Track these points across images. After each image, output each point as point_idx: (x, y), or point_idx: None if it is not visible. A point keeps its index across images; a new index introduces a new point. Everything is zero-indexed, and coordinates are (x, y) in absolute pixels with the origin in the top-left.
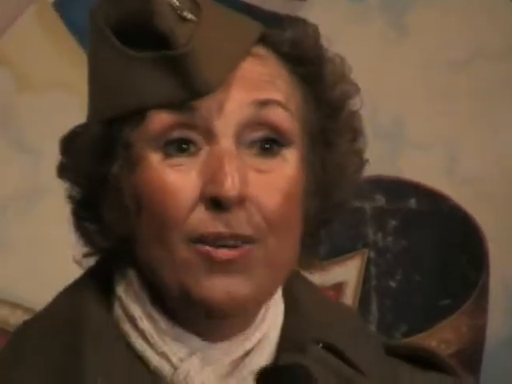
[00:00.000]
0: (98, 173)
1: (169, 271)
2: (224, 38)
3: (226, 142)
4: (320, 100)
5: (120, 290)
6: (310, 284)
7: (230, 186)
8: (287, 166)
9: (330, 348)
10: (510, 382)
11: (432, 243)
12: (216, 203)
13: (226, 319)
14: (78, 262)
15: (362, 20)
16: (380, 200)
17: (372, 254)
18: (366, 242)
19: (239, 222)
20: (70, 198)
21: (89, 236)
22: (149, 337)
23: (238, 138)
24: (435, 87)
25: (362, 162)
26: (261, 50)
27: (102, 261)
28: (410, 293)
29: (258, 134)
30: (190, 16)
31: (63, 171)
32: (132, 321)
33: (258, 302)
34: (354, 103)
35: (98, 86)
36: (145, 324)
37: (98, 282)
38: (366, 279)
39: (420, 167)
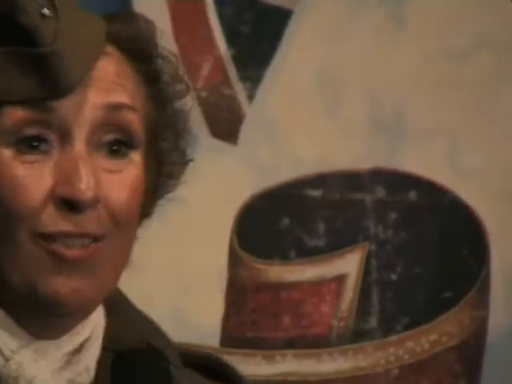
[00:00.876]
0: None
1: (13, 267)
2: (81, 36)
3: (80, 143)
4: (156, 98)
5: None
6: (119, 289)
7: (85, 188)
8: (134, 167)
9: (152, 349)
10: (511, 373)
11: (433, 235)
12: (68, 204)
13: (67, 317)
14: None
15: (362, 11)
16: (380, 192)
17: (373, 247)
18: (367, 234)
19: (89, 222)
20: None
21: None
22: None
23: (90, 140)
24: (436, 78)
25: (184, 162)
26: (108, 48)
27: None
28: (412, 285)
29: (108, 137)
30: (48, 12)
31: None
32: None
33: (101, 300)
34: (185, 103)
35: None
36: None
37: None
38: (366, 272)
39: (421, 159)
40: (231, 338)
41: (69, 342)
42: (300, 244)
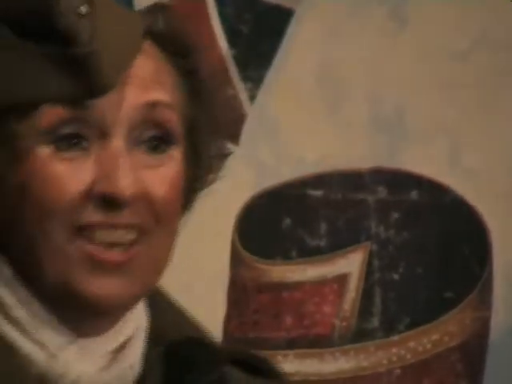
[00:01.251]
0: None
1: (52, 265)
2: (118, 34)
3: (119, 140)
4: (195, 92)
5: None
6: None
7: (126, 184)
8: (173, 163)
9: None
10: None
11: (435, 235)
12: (108, 201)
13: (105, 317)
14: None
15: (363, 11)
16: (382, 192)
17: (374, 247)
18: (369, 234)
19: (129, 216)
20: None
21: None
22: (23, 324)
23: (129, 137)
24: (436, 78)
25: (223, 155)
26: (145, 43)
27: None
28: (413, 285)
29: (148, 134)
30: (85, 11)
31: None
32: (2, 308)
33: (141, 299)
34: (229, 94)
35: None
36: (18, 311)
37: None
38: (368, 272)
39: (422, 159)
40: (233, 338)
41: (112, 339)
42: (302, 244)
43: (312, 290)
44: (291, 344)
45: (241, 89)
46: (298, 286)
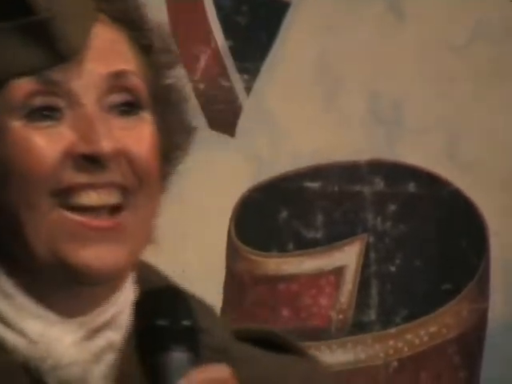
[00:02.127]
0: None
1: (38, 235)
2: (74, 2)
3: (91, 105)
4: (151, 67)
5: None
6: (146, 261)
7: (105, 142)
8: (147, 124)
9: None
10: (511, 366)
11: (432, 227)
12: (89, 160)
13: (95, 287)
14: None
15: (361, 3)
16: (379, 184)
17: (371, 239)
18: (366, 226)
19: (112, 174)
20: None
21: None
22: (4, 315)
23: (99, 103)
24: (434, 71)
25: (188, 131)
26: (99, 15)
27: None
28: (411, 277)
29: (117, 99)
30: None
31: None
32: None
33: (129, 268)
34: (177, 74)
35: None
36: (0, 304)
37: None
38: (365, 264)
39: (419, 151)
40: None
41: (95, 319)
42: (298, 236)
43: (309, 283)
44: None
45: (237, 80)
46: (294, 278)
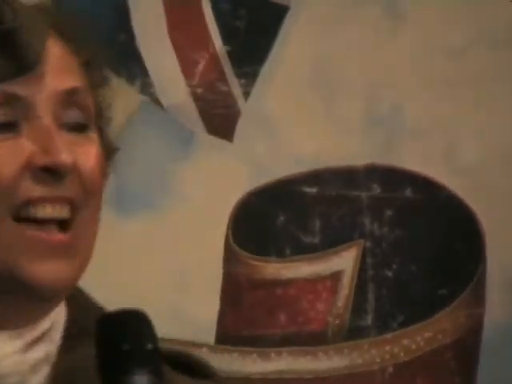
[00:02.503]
0: None
1: None
2: (31, 17)
3: (47, 118)
4: (91, 84)
5: None
6: None
7: (65, 154)
8: (94, 143)
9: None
10: (507, 371)
11: (429, 233)
12: (48, 173)
13: (45, 303)
14: None
15: (359, 7)
16: (376, 189)
17: (368, 244)
18: (363, 231)
19: (66, 188)
20: None
21: None
22: None
23: (54, 117)
24: (433, 74)
25: (114, 149)
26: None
27: None
28: (407, 283)
29: (71, 115)
30: None
31: None
32: None
33: (78, 282)
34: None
35: None
36: None
37: None
38: (362, 269)
39: (417, 156)
40: (227, 335)
41: (33, 331)
42: (296, 241)
43: (306, 287)
44: (285, 341)
45: (235, 85)
46: (291, 283)
